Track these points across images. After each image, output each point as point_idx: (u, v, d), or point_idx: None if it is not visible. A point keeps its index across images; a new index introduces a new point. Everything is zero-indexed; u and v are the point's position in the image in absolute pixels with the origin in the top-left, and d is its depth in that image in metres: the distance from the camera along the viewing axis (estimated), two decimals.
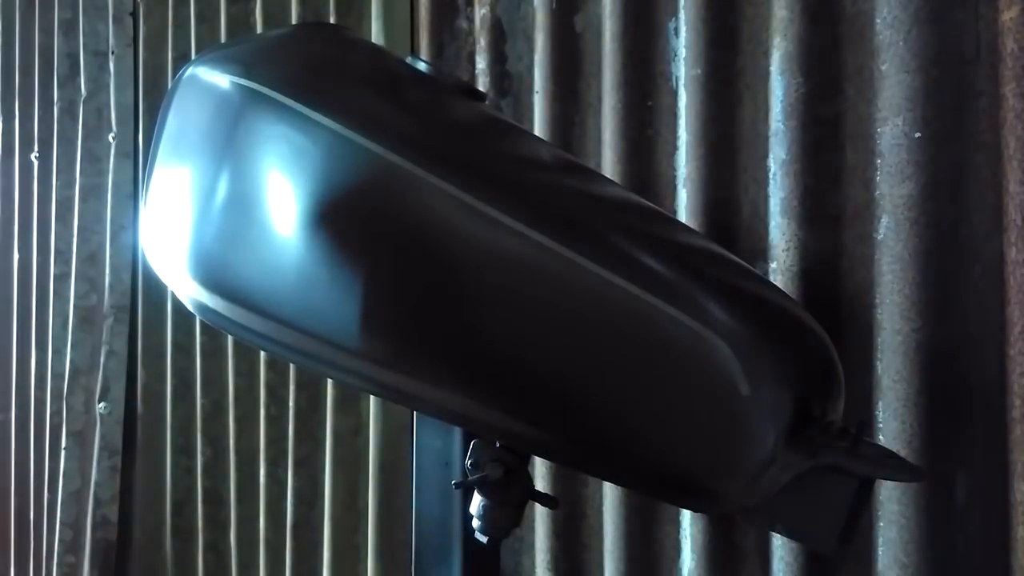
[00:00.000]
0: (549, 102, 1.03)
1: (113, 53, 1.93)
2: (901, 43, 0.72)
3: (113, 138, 1.91)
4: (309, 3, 1.44)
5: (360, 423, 1.36)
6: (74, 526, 2.01)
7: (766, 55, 0.83)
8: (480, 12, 1.15)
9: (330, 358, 0.60)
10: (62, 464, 2.02)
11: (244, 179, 0.63)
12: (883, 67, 0.74)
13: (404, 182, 0.55)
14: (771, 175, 0.82)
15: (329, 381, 1.38)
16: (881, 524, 0.75)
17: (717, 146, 0.86)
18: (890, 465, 0.61)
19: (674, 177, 0.93)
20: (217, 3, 1.65)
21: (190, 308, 0.70)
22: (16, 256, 2.33)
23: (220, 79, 0.65)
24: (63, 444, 2.02)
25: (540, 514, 1.05)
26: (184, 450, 1.75)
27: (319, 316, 0.59)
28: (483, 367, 0.55)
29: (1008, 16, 0.67)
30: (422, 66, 0.63)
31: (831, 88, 0.78)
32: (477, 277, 0.54)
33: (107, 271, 1.91)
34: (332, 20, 1.39)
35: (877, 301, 0.75)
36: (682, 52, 0.91)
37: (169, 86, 0.82)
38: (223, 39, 1.64)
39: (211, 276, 0.65)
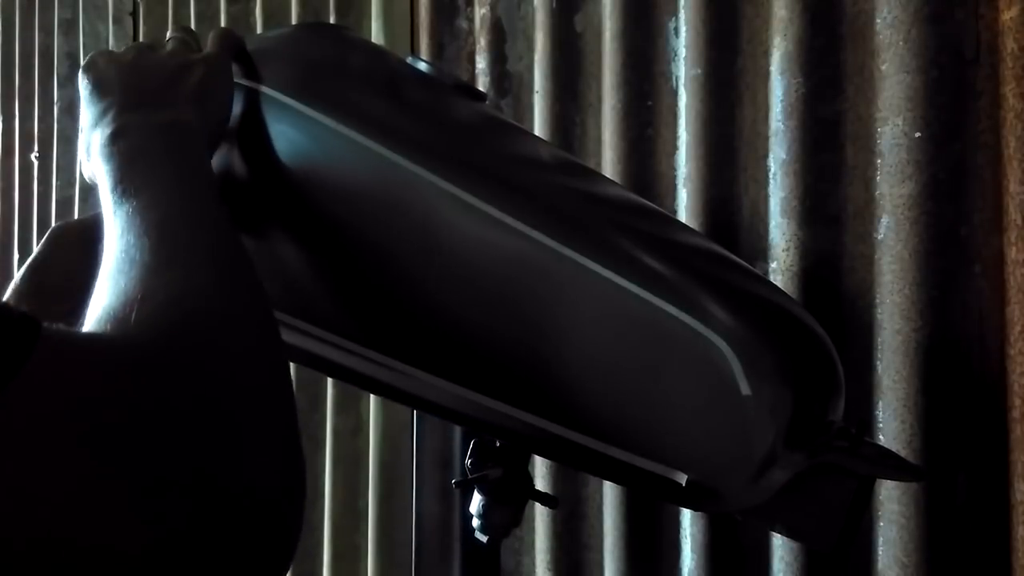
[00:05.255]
0: (549, 102, 1.03)
1: None
2: (901, 43, 0.72)
3: None
4: (309, 3, 1.44)
5: (360, 423, 1.36)
6: None
7: (766, 55, 0.83)
8: (480, 12, 1.15)
9: (329, 357, 0.60)
10: None
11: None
12: (883, 67, 0.74)
13: (404, 181, 0.55)
14: (771, 175, 0.82)
15: (329, 381, 1.38)
16: (881, 524, 0.75)
17: (717, 146, 0.87)
18: (890, 465, 0.61)
19: (674, 177, 0.93)
20: (217, 3, 1.66)
21: None
22: (16, 256, 2.33)
23: None
24: None
25: (540, 514, 1.05)
26: None
27: (320, 315, 0.59)
28: (484, 362, 0.55)
29: (1008, 16, 0.67)
30: (422, 66, 0.63)
31: (831, 88, 0.78)
32: (476, 276, 0.54)
33: None
34: (332, 20, 1.39)
35: (877, 301, 0.75)
36: (682, 52, 0.91)
37: None
38: None
39: None
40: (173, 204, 0.46)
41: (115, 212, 0.46)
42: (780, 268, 0.81)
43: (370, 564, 1.31)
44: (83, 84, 0.58)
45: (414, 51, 1.24)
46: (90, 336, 0.36)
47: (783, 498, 0.55)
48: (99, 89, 0.56)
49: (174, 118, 0.53)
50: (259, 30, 1.54)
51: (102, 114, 0.54)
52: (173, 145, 0.51)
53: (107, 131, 0.52)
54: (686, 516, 0.91)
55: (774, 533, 0.81)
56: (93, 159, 0.52)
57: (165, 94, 0.55)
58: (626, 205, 0.60)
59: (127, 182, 0.47)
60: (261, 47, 0.65)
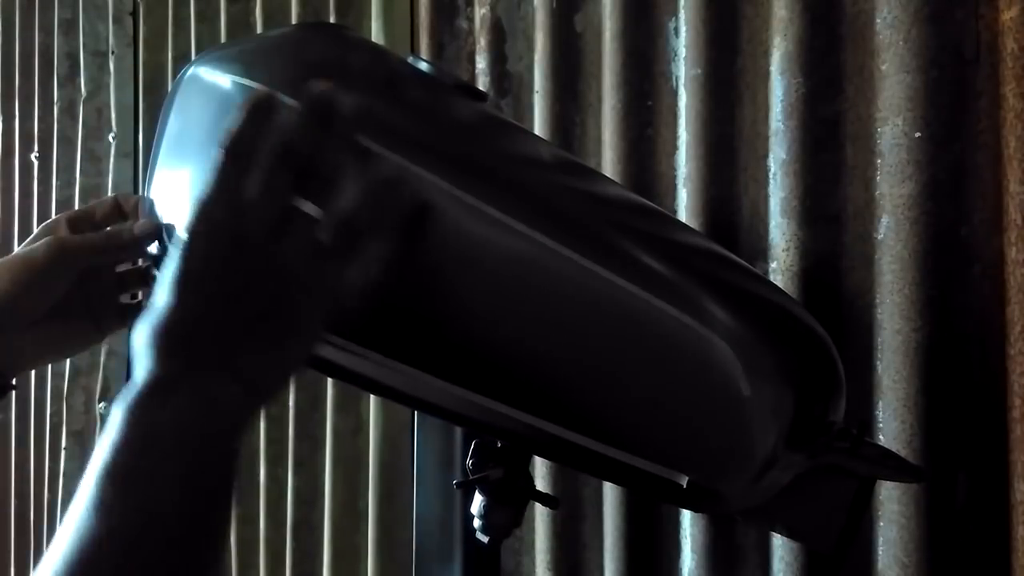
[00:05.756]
0: (549, 102, 1.03)
1: (113, 53, 1.93)
2: (901, 43, 0.72)
3: (113, 138, 1.92)
4: (309, 3, 1.44)
5: (360, 423, 1.36)
6: None
7: (766, 55, 0.83)
8: (480, 12, 1.15)
9: (330, 358, 0.60)
10: (62, 464, 2.02)
11: None
12: (883, 67, 0.74)
13: (404, 181, 0.55)
14: (771, 175, 0.82)
15: (329, 381, 1.38)
16: (881, 524, 0.75)
17: (717, 146, 0.87)
18: (891, 465, 0.61)
19: (674, 177, 0.93)
20: (217, 3, 1.65)
21: None
22: None
23: (221, 79, 0.65)
24: (63, 444, 2.02)
25: (540, 514, 1.05)
26: None
27: None
28: (483, 363, 0.55)
29: (1008, 16, 0.67)
30: (423, 65, 0.63)
31: (831, 88, 0.78)
32: (475, 276, 0.54)
33: None
34: (332, 20, 1.39)
35: (877, 301, 0.75)
36: (682, 52, 0.91)
37: (169, 86, 0.82)
38: (223, 39, 1.65)
39: None
40: (155, 535, 0.40)
41: (96, 488, 0.40)
42: (780, 268, 0.81)
43: (370, 564, 1.31)
44: (179, 249, 0.45)
45: (414, 51, 1.24)
46: None
47: (784, 499, 0.55)
48: (185, 281, 0.44)
49: (226, 391, 0.44)
50: (259, 30, 1.54)
51: (164, 333, 0.45)
52: (202, 437, 0.43)
53: (150, 376, 0.44)
54: (686, 516, 0.91)
55: (774, 533, 0.81)
56: (122, 398, 0.44)
57: (239, 349, 0.44)
58: (626, 205, 0.60)
59: (126, 466, 0.41)
60: (262, 47, 0.65)
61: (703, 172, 0.87)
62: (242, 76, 0.61)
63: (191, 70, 0.70)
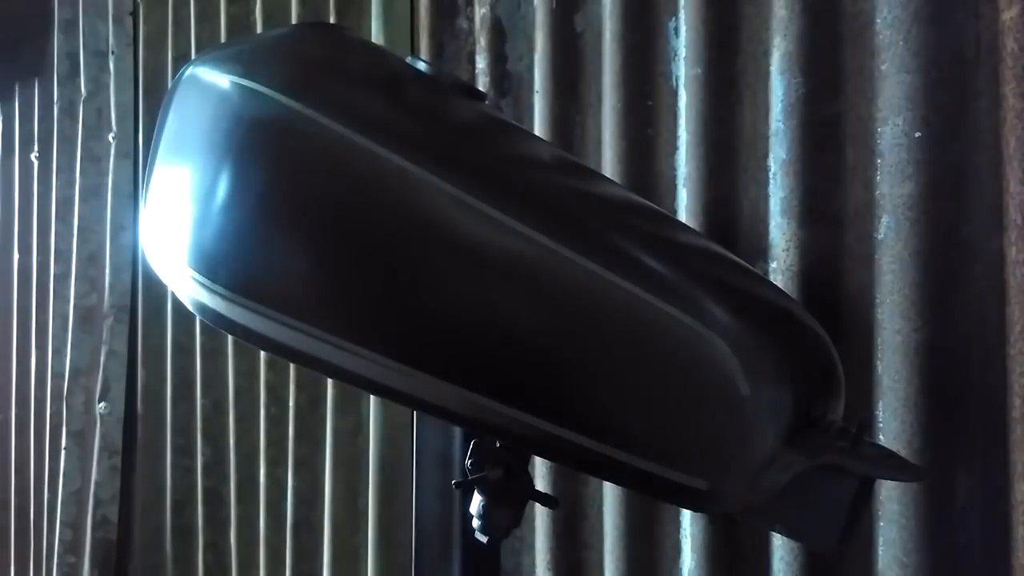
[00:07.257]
0: (549, 102, 1.03)
1: (113, 53, 1.93)
2: (901, 43, 0.72)
3: (113, 138, 1.92)
4: (309, 3, 1.44)
5: (360, 423, 1.36)
6: (74, 526, 2.01)
7: (766, 55, 0.83)
8: (480, 12, 1.15)
9: (330, 358, 0.60)
10: (62, 464, 2.02)
11: (244, 179, 0.63)
12: (883, 67, 0.74)
13: (404, 182, 0.55)
14: (771, 175, 0.82)
15: (329, 381, 1.38)
16: (881, 524, 0.75)
17: (717, 146, 0.86)
18: (890, 465, 0.61)
19: (674, 177, 0.93)
20: (217, 3, 1.66)
21: (190, 308, 0.70)
22: (16, 256, 2.33)
23: (220, 79, 0.65)
24: (63, 444, 2.03)
25: (540, 514, 1.05)
26: (184, 450, 1.75)
27: (320, 316, 0.59)
28: (484, 364, 0.55)
29: (1008, 16, 0.67)
30: (422, 66, 0.63)
31: (831, 88, 0.78)
32: (476, 276, 0.54)
33: (107, 271, 1.91)
34: (332, 20, 1.39)
35: (877, 301, 0.75)
36: (682, 52, 0.91)
37: (169, 86, 0.82)
38: (223, 39, 1.65)
39: (211, 276, 0.65)
40: None
41: None
42: (780, 268, 0.81)
43: (370, 564, 1.31)
44: None
45: (414, 51, 1.24)
46: None
47: (783, 499, 0.55)
48: None
49: None
50: (259, 30, 1.54)
51: None
52: None
53: None
54: (686, 516, 0.91)
55: (774, 533, 0.81)
56: None
57: None
58: (626, 205, 0.60)
59: None
60: (261, 47, 0.65)
61: (703, 172, 0.87)
62: (241, 76, 0.61)
63: (189, 70, 0.70)
